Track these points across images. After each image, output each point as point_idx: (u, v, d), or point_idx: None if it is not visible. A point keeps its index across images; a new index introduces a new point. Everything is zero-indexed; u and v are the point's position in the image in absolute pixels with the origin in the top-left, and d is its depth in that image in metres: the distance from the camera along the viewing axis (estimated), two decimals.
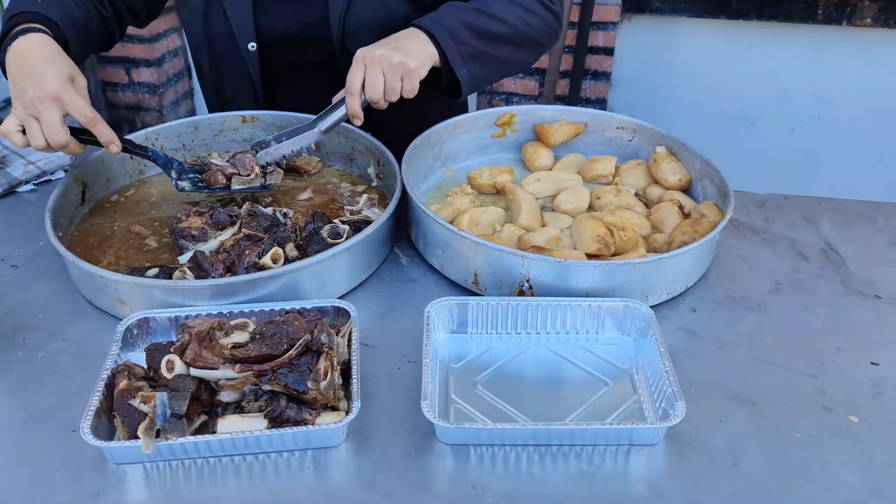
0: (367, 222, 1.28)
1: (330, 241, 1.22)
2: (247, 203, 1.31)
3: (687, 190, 1.43)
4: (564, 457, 0.94)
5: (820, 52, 2.88)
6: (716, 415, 1.01)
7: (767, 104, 3.04)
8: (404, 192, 1.27)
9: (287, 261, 1.17)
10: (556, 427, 0.94)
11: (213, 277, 1.13)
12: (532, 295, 1.14)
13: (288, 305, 1.07)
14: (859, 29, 2.77)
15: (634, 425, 0.94)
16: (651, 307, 1.12)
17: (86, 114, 1.18)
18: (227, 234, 1.24)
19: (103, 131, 1.22)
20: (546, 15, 1.38)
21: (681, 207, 1.33)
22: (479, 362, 1.08)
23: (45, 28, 1.23)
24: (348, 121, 1.30)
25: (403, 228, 1.34)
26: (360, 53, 1.24)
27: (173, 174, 1.35)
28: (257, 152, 1.35)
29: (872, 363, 1.10)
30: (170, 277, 1.14)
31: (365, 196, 1.36)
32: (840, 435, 0.99)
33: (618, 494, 0.90)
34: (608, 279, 1.13)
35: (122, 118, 3.51)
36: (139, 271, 1.15)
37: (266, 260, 1.15)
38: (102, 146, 1.24)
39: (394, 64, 1.22)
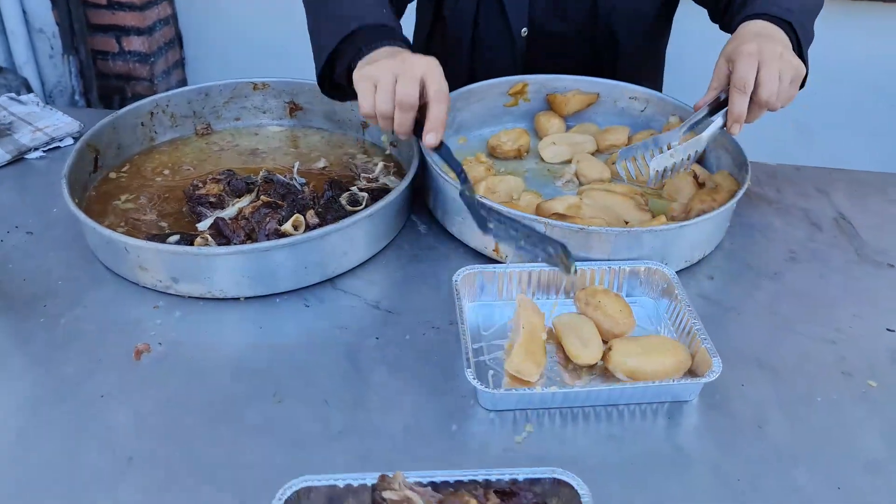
0: (385, 189, 1.28)
1: (349, 208, 1.22)
2: (263, 170, 1.30)
3: (700, 160, 1.44)
4: (597, 418, 0.95)
5: (819, 25, 2.89)
6: (738, 380, 1.02)
7: None
8: (423, 160, 1.26)
9: (308, 228, 1.16)
10: (597, 389, 0.95)
11: (235, 244, 1.13)
12: None
13: (493, 475, 0.79)
14: (859, 2, 2.77)
15: (673, 381, 0.96)
16: None
17: (441, 86, 1.04)
18: (244, 202, 1.23)
19: (439, 114, 1.05)
20: None
21: (695, 177, 1.33)
22: (509, 329, 1.08)
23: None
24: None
25: (419, 198, 1.34)
26: (755, 47, 1.09)
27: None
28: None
29: (888, 329, 1.12)
30: (191, 244, 1.13)
31: (381, 164, 1.35)
32: (860, 399, 1.00)
33: (645, 454, 0.92)
34: (629, 246, 1.13)
35: (113, 88, 3.46)
36: (159, 238, 1.14)
37: (287, 227, 1.15)
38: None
39: (794, 65, 1.10)
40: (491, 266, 1.12)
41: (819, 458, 0.93)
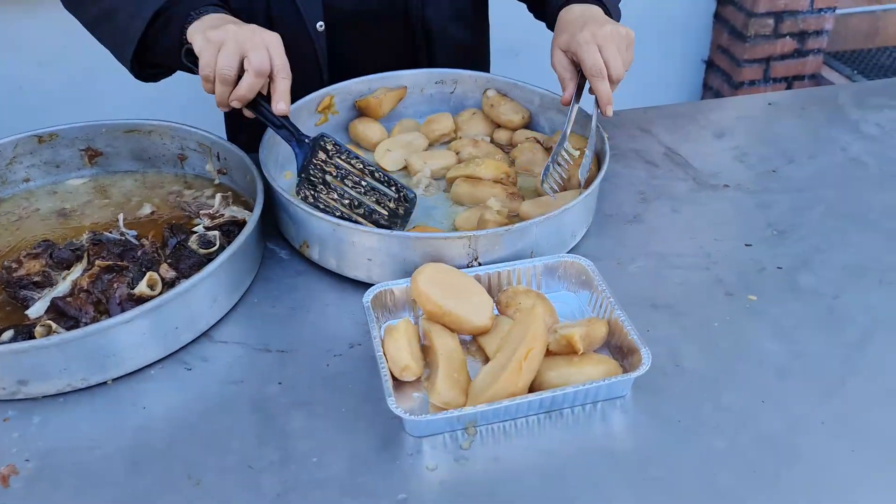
0: (233, 222, 1.17)
1: (202, 251, 1.10)
2: (87, 231, 1.13)
3: (530, 126, 1.45)
4: (541, 422, 0.93)
5: None
6: (643, 326, 1.05)
7: (531, 35, 3.17)
8: (267, 186, 1.15)
9: (164, 283, 1.03)
10: (527, 400, 0.90)
11: (86, 323, 0.97)
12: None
13: None
14: None
15: (601, 381, 0.91)
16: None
17: (284, 62, 1.10)
18: (76, 272, 1.07)
19: (286, 88, 1.11)
20: None
21: (539, 143, 1.34)
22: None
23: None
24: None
25: (268, 222, 1.23)
26: (588, 34, 1.16)
27: (302, 174, 1.16)
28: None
29: (746, 245, 1.20)
30: (31, 337, 0.95)
31: (219, 195, 1.23)
32: (748, 314, 1.07)
33: (580, 421, 0.92)
34: (548, 233, 1.12)
35: None
36: None
37: (142, 288, 1.01)
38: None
39: (622, 35, 1.18)
40: (403, 280, 1.05)
41: (737, 378, 0.98)
